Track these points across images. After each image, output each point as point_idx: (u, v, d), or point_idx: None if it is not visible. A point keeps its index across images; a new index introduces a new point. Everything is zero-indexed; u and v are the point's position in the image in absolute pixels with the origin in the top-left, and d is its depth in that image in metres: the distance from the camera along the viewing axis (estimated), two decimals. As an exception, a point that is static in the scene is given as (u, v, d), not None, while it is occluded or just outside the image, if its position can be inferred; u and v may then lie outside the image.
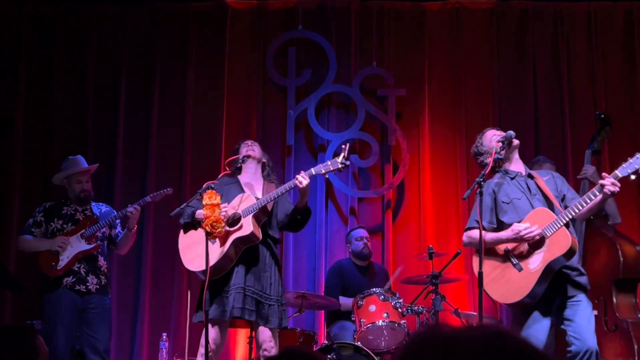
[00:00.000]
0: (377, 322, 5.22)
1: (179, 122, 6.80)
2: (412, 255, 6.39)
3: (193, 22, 6.93)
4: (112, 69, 6.86)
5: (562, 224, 3.97)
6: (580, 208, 3.97)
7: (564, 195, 4.25)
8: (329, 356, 4.88)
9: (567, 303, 4.06)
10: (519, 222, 4.11)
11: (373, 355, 4.95)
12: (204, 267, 4.20)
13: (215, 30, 6.95)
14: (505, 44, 6.96)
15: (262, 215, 4.48)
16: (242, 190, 4.58)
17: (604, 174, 3.99)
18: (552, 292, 4.06)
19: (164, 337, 5.82)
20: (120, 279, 6.52)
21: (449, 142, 6.82)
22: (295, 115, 6.74)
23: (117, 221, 5.37)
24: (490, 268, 4.15)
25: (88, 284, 5.11)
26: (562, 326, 4.07)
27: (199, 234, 4.40)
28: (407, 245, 6.69)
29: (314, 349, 5.06)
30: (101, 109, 6.81)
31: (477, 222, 4.05)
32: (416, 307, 5.36)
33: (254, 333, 4.85)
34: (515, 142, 4.29)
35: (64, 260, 5.08)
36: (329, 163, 4.31)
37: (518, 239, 4.05)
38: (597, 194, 3.93)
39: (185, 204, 4.49)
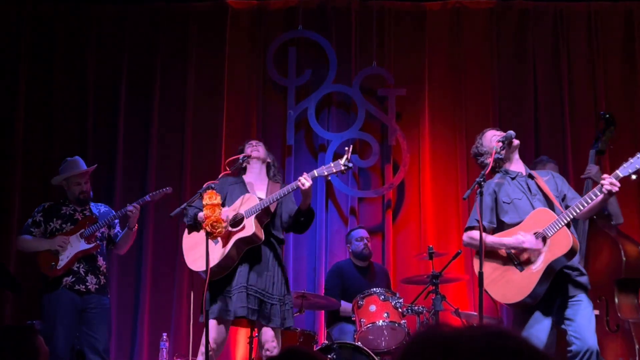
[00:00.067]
0: (377, 322, 5.22)
1: (179, 122, 6.80)
2: (412, 255, 6.39)
3: (193, 22, 6.93)
4: (112, 69, 6.86)
5: (563, 224, 3.97)
6: (582, 208, 3.97)
7: (565, 195, 4.25)
8: (329, 356, 4.88)
9: (567, 303, 4.06)
10: (520, 222, 4.12)
11: (373, 355, 4.95)
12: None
13: (216, 30, 6.95)
14: (506, 44, 6.96)
15: (265, 216, 4.48)
16: (247, 191, 4.58)
17: (604, 174, 3.99)
18: (552, 292, 4.06)
19: (164, 337, 5.82)
20: (120, 279, 6.52)
21: (449, 142, 6.82)
22: (295, 115, 6.74)
23: (116, 221, 5.38)
24: (492, 268, 4.15)
25: (87, 283, 5.11)
26: (563, 326, 4.07)
27: (202, 235, 4.40)
28: (407, 245, 6.69)
29: (314, 349, 5.05)
30: (101, 109, 6.81)
31: (478, 221, 4.05)
32: (416, 307, 5.36)
33: (254, 333, 4.86)
34: (516, 142, 4.29)
35: (63, 260, 5.09)
36: (332, 165, 4.31)
37: (519, 248, 4.05)
38: (598, 194, 3.93)
39: (185, 204, 4.49)
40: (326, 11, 6.97)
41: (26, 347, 2.52)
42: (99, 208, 5.39)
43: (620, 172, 3.91)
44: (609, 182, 3.88)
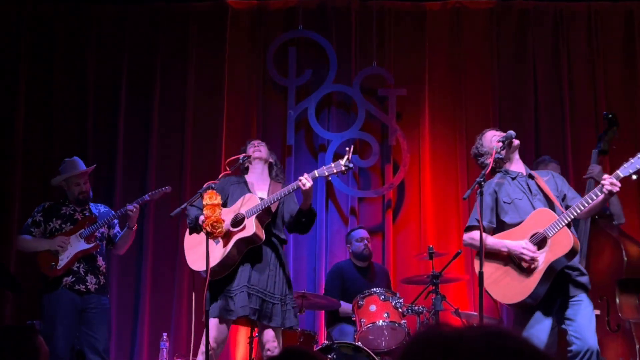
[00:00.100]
0: (377, 322, 5.22)
1: (179, 122, 6.80)
2: (412, 255, 6.39)
3: (193, 22, 6.93)
4: (112, 69, 6.86)
5: (564, 224, 3.98)
6: (582, 208, 3.97)
7: (565, 195, 4.25)
8: (329, 356, 4.88)
9: (568, 303, 4.06)
10: (520, 222, 4.12)
11: (373, 355, 4.95)
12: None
13: (216, 30, 6.95)
14: (506, 44, 6.95)
15: (266, 216, 4.48)
16: (248, 190, 4.58)
17: (604, 174, 3.99)
18: (553, 292, 4.06)
19: (165, 337, 5.82)
20: (120, 279, 6.52)
21: (450, 142, 6.82)
22: (295, 115, 6.74)
23: (115, 221, 5.38)
24: (493, 268, 4.15)
25: (87, 283, 5.12)
26: (563, 326, 4.07)
27: (203, 235, 4.39)
28: (407, 245, 6.69)
29: (314, 349, 5.05)
30: (101, 109, 6.81)
31: (478, 221, 4.05)
32: (416, 307, 5.36)
33: (254, 333, 4.85)
34: (516, 142, 4.29)
35: (63, 260, 5.09)
36: (332, 165, 4.30)
37: (519, 255, 4.06)
38: (599, 194, 3.93)
39: (185, 203, 4.49)
40: (326, 11, 6.97)
41: (26, 347, 2.52)
42: (98, 208, 5.40)
43: (621, 172, 3.91)
44: (610, 182, 3.88)
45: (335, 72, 6.78)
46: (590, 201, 3.96)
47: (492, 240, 4.15)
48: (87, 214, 5.29)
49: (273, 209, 4.51)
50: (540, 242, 4.04)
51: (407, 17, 7.01)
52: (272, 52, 6.84)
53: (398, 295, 5.41)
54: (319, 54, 6.87)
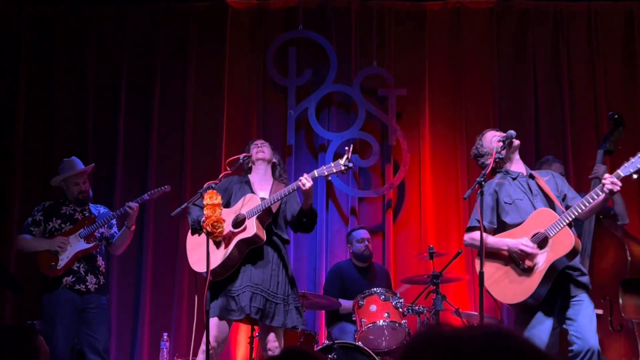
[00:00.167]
0: (377, 321, 5.22)
1: (179, 121, 6.80)
2: (412, 255, 6.38)
3: (193, 22, 6.93)
4: (112, 69, 6.85)
5: (565, 223, 3.98)
6: (583, 208, 3.97)
7: (565, 195, 4.26)
8: (329, 356, 4.88)
9: (569, 303, 4.06)
10: (521, 222, 4.12)
11: (374, 355, 4.94)
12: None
13: (216, 30, 6.95)
14: (506, 44, 6.95)
15: (267, 216, 4.47)
16: (251, 190, 4.58)
17: (605, 174, 3.99)
18: (554, 292, 4.06)
19: (165, 337, 5.82)
20: (120, 279, 6.52)
21: (450, 141, 6.81)
22: (295, 115, 6.74)
23: (113, 221, 5.38)
24: (494, 269, 4.15)
25: (87, 283, 5.12)
26: (564, 326, 4.08)
27: (204, 236, 4.39)
28: (407, 245, 6.68)
29: (315, 349, 5.05)
30: (101, 109, 6.81)
31: (479, 221, 4.05)
32: (417, 307, 5.35)
33: (255, 332, 4.85)
34: (516, 142, 4.30)
35: (63, 260, 5.09)
36: (332, 165, 4.30)
37: (519, 253, 4.05)
38: (600, 193, 3.93)
39: (186, 203, 4.49)
40: (326, 11, 6.97)
41: (26, 347, 2.52)
42: (98, 209, 5.40)
43: (622, 172, 3.92)
44: (610, 181, 3.89)
45: (335, 72, 6.78)
46: (590, 201, 3.96)
47: (492, 240, 4.15)
48: (86, 214, 5.29)
49: (274, 209, 4.50)
50: (541, 242, 4.04)
51: (407, 17, 7.01)
52: (272, 52, 6.84)
53: (398, 295, 5.40)
54: (319, 54, 6.87)
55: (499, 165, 4.32)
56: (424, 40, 6.93)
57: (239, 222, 4.41)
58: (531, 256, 4.04)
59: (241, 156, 4.66)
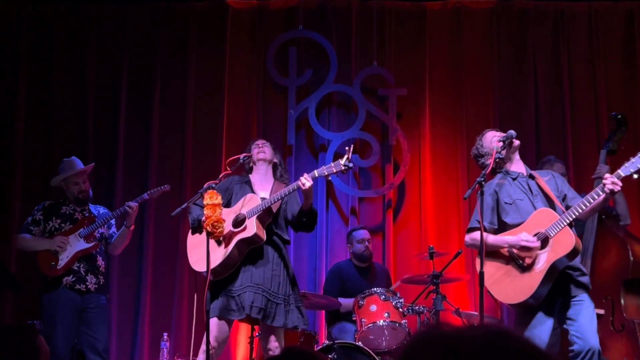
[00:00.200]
0: (378, 321, 5.22)
1: (179, 121, 6.80)
2: (412, 255, 6.38)
3: (193, 22, 6.93)
4: (112, 69, 6.85)
5: (565, 223, 3.97)
6: (584, 208, 3.97)
7: (565, 195, 4.25)
8: (329, 356, 4.88)
9: (570, 303, 4.06)
10: (522, 222, 4.12)
11: (374, 355, 4.94)
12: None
13: (216, 30, 6.95)
14: (506, 44, 6.95)
15: (267, 216, 4.47)
16: (252, 190, 4.58)
17: (606, 174, 3.99)
18: (554, 292, 4.06)
19: (165, 336, 5.82)
20: (120, 279, 6.51)
21: (450, 141, 6.81)
22: (296, 115, 6.74)
23: (112, 221, 5.38)
24: (494, 268, 4.15)
25: (87, 283, 5.12)
26: (565, 326, 4.08)
27: (204, 236, 4.39)
28: (407, 245, 6.68)
29: (315, 349, 5.05)
30: (101, 109, 6.81)
31: (479, 222, 4.04)
32: (417, 307, 5.35)
33: (255, 332, 4.85)
34: (516, 142, 4.29)
35: (63, 259, 5.09)
36: (332, 165, 4.30)
37: (520, 248, 4.05)
38: (601, 193, 3.93)
39: (186, 203, 4.48)
40: (326, 11, 6.97)
41: (27, 347, 2.52)
42: (98, 209, 5.41)
43: (622, 172, 3.91)
44: (611, 181, 3.88)
45: (335, 72, 6.78)
46: (591, 201, 3.96)
47: (492, 239, 4.15)
48: (86, 214, 5.30)
49: (274, 209, 4.50)
50: (542, 242, 4.04)
51: (408, 16, 7.01)
52: (273, 52, 6.84)
53: (398, 295, 5.40)
54: (319, 54, 6.87)
55: (499, 165, 4.31)
56: (424, 40, 6.93)
57: (239, 222, 4.41)
58: (532, 251, 4.03)
59: (241, 156, 4.66)
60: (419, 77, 6.89)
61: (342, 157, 4.26)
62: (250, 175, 4.73)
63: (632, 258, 5.05)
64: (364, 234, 6.09)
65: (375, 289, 5.41)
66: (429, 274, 5.42)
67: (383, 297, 5.30)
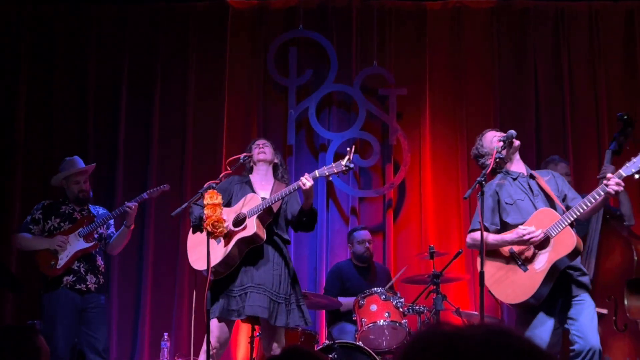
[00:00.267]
0: (378, 321, 5.22)
1: (179, 121, 6.80)
2: (413, 254, 6.38)
3: (194, 22, 6.93)
4: (112, 69, 6.85)
5: (566, 223, 3.97)
6: (585, 208, 3.96)
7: (565, 195, 4.25)
8: (330, 356, 4.88)
9: (571, 302, 4.06)
10: (523, 223, 4.11)
11: (374, 354, 4.94)
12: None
13: (216, 30, 6.94)
14: (506, 43, 6.95)
15: (267, 216, 4.47)
16: (252, 190, 4.58)
17: (608, 174, 3.98)
18: (555, 292, 4.06)
19: (166, 336, 5.82)
20: (121, 279, 6.52)
21: (450, 141, 6.81)
22: (296, 115, 6.74)
23: (111, 221, 5.38)
24: (495, 269, 4.14)
25: (88, 282, 5.12)
26: (566, 325, 4.07)
27: (204, 235, 4.39)
28: (408, 244, 6.68)
29: (315, 349, 5.05)
30: (102, 109, 6.81)
31: (480, 223, 4.04)
32: (417, 307, 5.35)
33: (255, 332, 4.85)
34: (516, 142, 4.29)
35: (63, 259, 5.09)
36: (333, 165, 4.29)
37: (522, 242, 4.04)
38: (602, 193, 3.92)
39: (186, 203, 4.48)
40: (327, 11, 6.97)
41: (27, 347, 2.52)
42: (97, 210, 5.41)
43: (624, 172, 3.91)
44: (615, 182, 3.88)
45: (335, 71, 6.78)
46: (592, 201, 3.95)
47: (492, 238, 4.14)
48: (85, 214, 5.30)
49: (275, 208, 4.50)
50: (543, 241, 4.03)
51: (408, 16, 7.01)
52: (273, 52, 6.84)
53: (399, 294, 5.40)
54: (319, 54, 6.87)
55: (500, 165, 4.31)
56: (425, 40, 6.92)
57: (239, 221, 4.41)
58: (531, 242, 4.01)
59: (242, 156, 4.65)
60: (419, 77, 6.89)
61: (343, 157, 4.25)
62: (250, 175, 4.73)
63: (636, 258, 5.05)
64: (364, 234, 6.08)
65: (375, 288, 5.41)
66: (429, 273, 5.42)
67: (383, 296, 5.30)
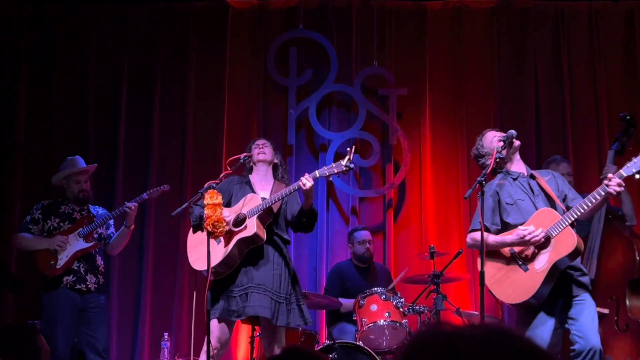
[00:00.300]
0: (378, 321, 5.22)
1: (179, 121, 6.80)
2: (413, 254, 6.38)
3: (194, 22, 6.93)
4: (112, 69, 6.85)
5: (567, 223, 3.97)
6: (585, 208, 3.96)
7: (565, 195, 4.25)
8: (330, 356, 4.88)
9: (571, 302, 4.06)
10: (523, 223, 4.11)
11: (375, 354, 4.94)
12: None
13: (216, 30, 6.94)
14: (506, 43, 6.95)
15: (267, 216, 4.47)
16: (252, 190, 4.58)
17: (609, 175, 3.98)
18: (556, 292, 4.06)
19: (166, 336, 5.82)
20: (121, 279, 6.51)
21: (450, 141, 6.81)
22: (296, 115, 6.74)
23: (111, 222, 5.38)
24: (496, 269, 4.14)
25: (87, 282, 5.12)
26: (566, 325, 4.07)
27: (204, 235, 4.39)
28: (408, 244, 6.68)
29: (316, 349, 5.05)
30: (102, 109, 6.81)
31: (481, 224, 4.03)
32: (418, 307, 5.35)
33: (255, 332, 4.85)
34: (517, 142, 4.29)
35: (62, 259, 5.09)
36: (334, 165, 4.29)
37: (523, 242, 4.04)
38: (602, 193, 3.92)
39: (186, 203, 4.48)
40: (327, 11, 6.97)
41: (27, 346, 2.52)
42: (97, 210, 5.40)
43: (624, 172, 3.91)
44: (616, 182, 3.88)
45: (335, 71, 6.78)
46: (593, 201, 3.95)
47: (492, 239, 4.14)
48: (85, 214, 5.30)
49: (275, 209, 4.50)
50: (543, 241, 4.03)
51: (408, 16, 7.01)
52: (273, 52, 6.84)
53: (399, 294, 5.40)
54: (319, 54, 6.87)
55: (500, 165, 4.31)
56: (425, 40, 6.92)
57: (239, 221, 4.41)
58: (532, 242, 4.01)
59: (242, 156, 4.65)
60: (419, 77, 6.89)
61: (343, 157, 4.25)
62: (250, 176, 4.73)
63: (638, 258, 5.04)
64: (365, 235, 6.08)
65: (375, 288, 5.41)
66: (430, 273, 5.42)
67: (384, 296, 5.30)
